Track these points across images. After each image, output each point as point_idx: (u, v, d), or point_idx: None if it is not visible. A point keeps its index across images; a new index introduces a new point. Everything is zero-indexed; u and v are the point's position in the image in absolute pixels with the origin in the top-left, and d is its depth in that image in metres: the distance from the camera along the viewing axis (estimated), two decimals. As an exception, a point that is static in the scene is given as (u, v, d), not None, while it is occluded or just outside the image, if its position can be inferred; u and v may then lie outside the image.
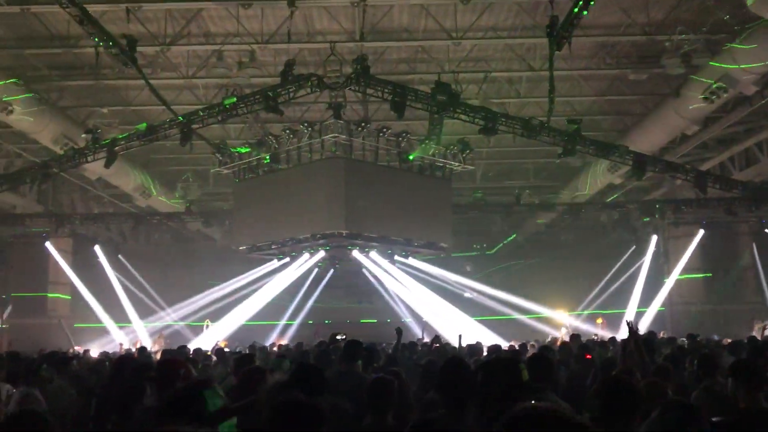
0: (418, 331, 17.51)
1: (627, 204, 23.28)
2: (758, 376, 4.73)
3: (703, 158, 20.97)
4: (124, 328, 23.28)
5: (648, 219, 23.03)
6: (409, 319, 22.26)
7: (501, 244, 29.94)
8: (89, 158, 17.39)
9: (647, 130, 18.53)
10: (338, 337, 6.71)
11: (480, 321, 21.68)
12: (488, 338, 17.04)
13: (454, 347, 12.45)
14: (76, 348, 17.41)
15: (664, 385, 4.85)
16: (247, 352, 11.22)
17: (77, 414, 6.55)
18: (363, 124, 17.59)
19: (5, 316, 22.92)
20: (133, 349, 16.13)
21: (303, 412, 3.02)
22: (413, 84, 16.79)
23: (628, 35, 16.09)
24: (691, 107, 16.19)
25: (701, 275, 23.53)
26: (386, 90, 15.13)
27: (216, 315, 21.76)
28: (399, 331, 8.92)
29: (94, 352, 16.59)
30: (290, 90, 15.30)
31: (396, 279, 21.12)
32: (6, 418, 3.27)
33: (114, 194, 24.85)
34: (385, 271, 20.80)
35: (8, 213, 22.39)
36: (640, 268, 24.39)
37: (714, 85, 14.84)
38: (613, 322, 22.58)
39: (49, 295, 24.04)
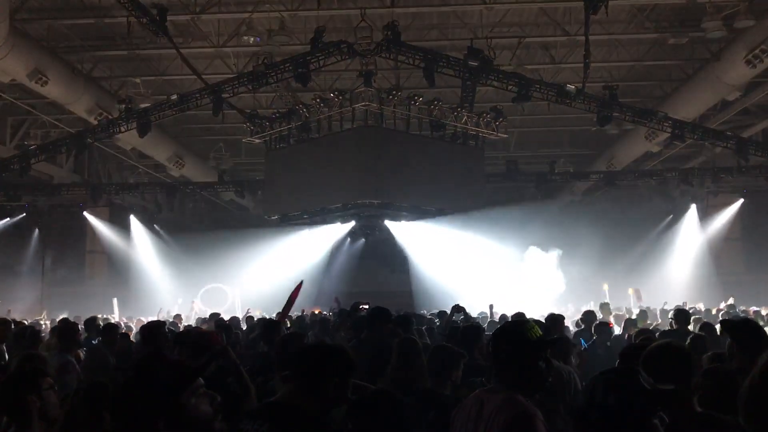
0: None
1: (665, 172, 22.79)
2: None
3: (745, 125, 20.39)
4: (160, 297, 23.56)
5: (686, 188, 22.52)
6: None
7: None
8: (123, 128, 17.51)
9: (687, 96, 18.03)
10: (361, 306, 6.63)
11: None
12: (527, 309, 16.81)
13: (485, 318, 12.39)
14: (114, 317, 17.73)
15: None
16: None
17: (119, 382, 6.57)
18: (394, 92, 17.39)
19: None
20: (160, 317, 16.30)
21: (333, 355, 2.97)
22: (445, 50, 16.51)
23: (668, -3, 15.61)
24: (732, 72, 15.70)
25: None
26: (417, 57, 14.91)
27: (246, 283, 21.85)
28: (457, 308, 9.00)
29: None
30: (320, 58, 15.17)
31: (429, 247, 20.94)
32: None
33: (148, 164, 25.12)
34: (417, 239, 20.68)
35: (46, 183, 22.75)
36: (678, 236, 23.98)
37: (757, 49, 14.36)
38: (649, 291, 22.22)
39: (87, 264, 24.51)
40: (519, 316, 11.75)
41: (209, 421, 2.09)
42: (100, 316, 13.85)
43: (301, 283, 8.69)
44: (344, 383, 2.84)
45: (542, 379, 2.95)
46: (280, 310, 8.40)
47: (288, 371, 3.73)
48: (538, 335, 3.01)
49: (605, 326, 8.20)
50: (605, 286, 18.87)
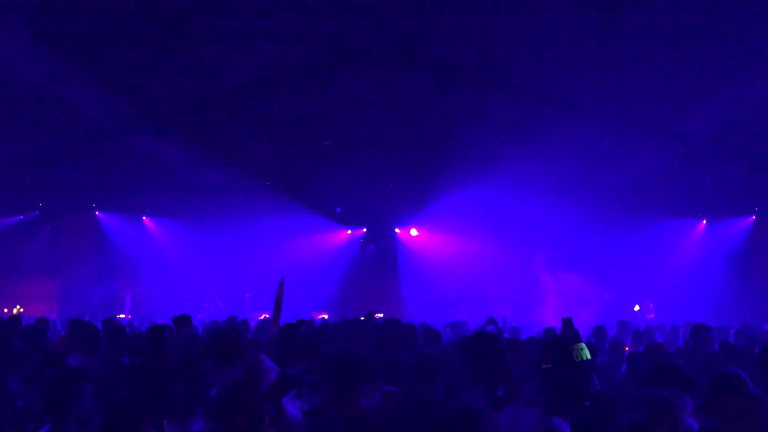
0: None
1: (675, 188, 22.71)
2: None
3: (757, 142, 20.27)
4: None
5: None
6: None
7: None
8: (138, 130, 17.66)
9: (700, 112, 17.98)
10: (377, 315, 6.71)
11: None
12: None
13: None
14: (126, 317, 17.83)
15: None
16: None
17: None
18: (407, 102, 17.42)
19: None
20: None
21: (362, 363, 3.07)
22: (460, 62, 16.52)
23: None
24: (746, 88, 15.67)
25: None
26: (432, 68, 14.96)
27: (258, 287, 21.96)
28: (491, 321, 9.07)
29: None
30: (335, 67, 15.25)
31: (440, 258, 20.98)
32: None
33: (162, 166, 25.18)
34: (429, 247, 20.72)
35: (58, 184, 22.88)
36: (689, 252, 23.91)
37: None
38: (658, 308, 22.14)
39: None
40: (568, 323, 11.04)
41: (299, 424, 2.27)
42: (121, 316, 13.95)
43: (282, 281, 8.69)
44: (374, 390, 2.94)
45: (580, 399, 3.04)
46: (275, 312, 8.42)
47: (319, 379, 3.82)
48: (586, 357, 3.07)
49: (620, 346, 8.05)
50: (636, 308, 18.93)
